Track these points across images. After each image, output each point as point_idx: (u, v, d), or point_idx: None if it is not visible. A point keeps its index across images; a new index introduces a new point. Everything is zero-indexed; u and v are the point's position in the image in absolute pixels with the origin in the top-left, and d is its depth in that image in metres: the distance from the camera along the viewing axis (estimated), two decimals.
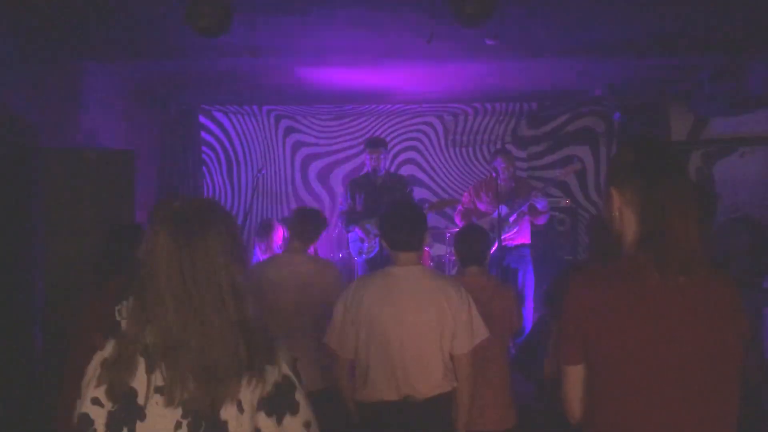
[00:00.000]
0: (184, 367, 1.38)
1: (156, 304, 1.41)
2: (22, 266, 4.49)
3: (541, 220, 5.92)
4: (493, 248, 5.94)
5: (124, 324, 1.45)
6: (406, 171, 7.79)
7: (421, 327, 2.71)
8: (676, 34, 4.58)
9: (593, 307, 1.62)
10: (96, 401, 1.43)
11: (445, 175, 7.85)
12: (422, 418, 2.72)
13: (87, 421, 1.43)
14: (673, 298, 1.57)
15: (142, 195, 5.85)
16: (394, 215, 2.91)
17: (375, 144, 5.81)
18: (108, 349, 1.46)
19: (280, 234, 5.71)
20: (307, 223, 3.76)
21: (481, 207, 6.03)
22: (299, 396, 1.45)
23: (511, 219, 5.88)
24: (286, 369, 1.45)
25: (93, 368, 1.46)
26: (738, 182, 6.59)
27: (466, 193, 6.23)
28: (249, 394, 1.40)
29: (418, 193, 7.66)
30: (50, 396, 3.60)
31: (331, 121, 7.79)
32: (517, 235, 5.93)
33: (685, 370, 1.56)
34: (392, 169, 7.64)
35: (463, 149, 7.86)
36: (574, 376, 1.69)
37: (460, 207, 6.21)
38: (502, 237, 5.90)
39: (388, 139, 7.81)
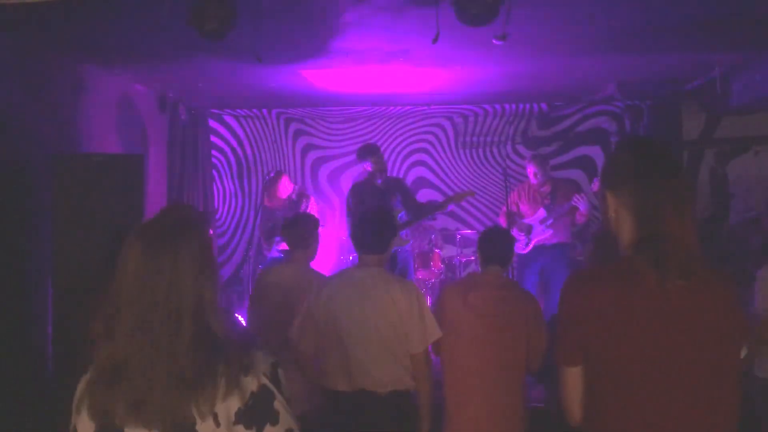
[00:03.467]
0: (136, 386, 1.36)
1: (115, 319, 1.40)
2: (31, 271, 4.52)
3: (581, 219, 5.98)
4: (530, 247, 5.99)
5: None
6: (416, 173, 7.79)
7: (370, 325, 2.88)
8: (686, 30, 4.52)
9: (591, 309, 1.60)
10: (85, 417, 1.42)
11: (456, 177, 7.83)
12: (377, 411, 2.86)
13: None
14: (672, 300, 1.54)
15: (153, 200, 5.88)
16: (362, 219, 3.13)
17: (374, 151, 5.78)
18: (90, 370, 1.45)
19: (285, 185, 6.08)
20: (296, 233, 3.86)
21: (523, 209, 6.13)
22: (279, 404, 1.42)
23: (548, 223, 5.91)
24: (263, 378, 1.42)
25: (79, 391, 1.46)
26: (752, 181, 6.52)
27: (511, 195, 6.26)
28: (224, 407, 1.37)
29: (429, 194, 7.66)
30: (61, 399, 3.62)
31: (340, 123, 7.80)
32: (555, 235, 5.97)
33: (685, 372, 1.54)
34: (402, 171, 7.65)
35: (473, 150, 7.84)
36: (573, 378, 1.67)
37: (504, 208, 6.30)
38: (536, 239, 5.95)
39: (397, 141, 7.83)
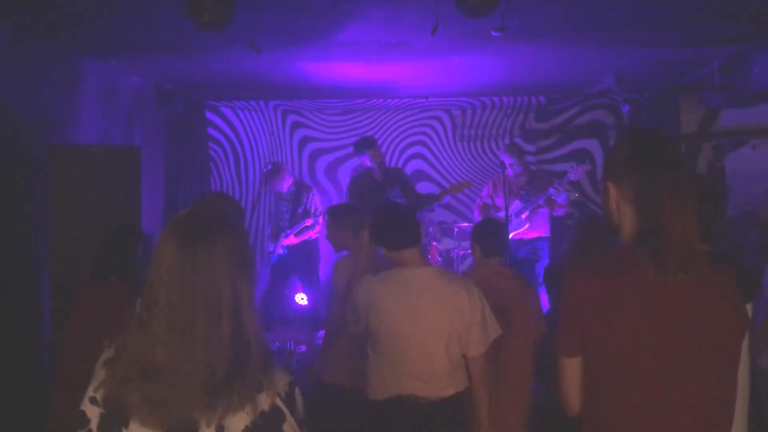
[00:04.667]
0: (165, 385, 1.33)
1: (152, 315, 1.37)
2: (28, 262, 4.51)
3: (560, 212, 5.87)
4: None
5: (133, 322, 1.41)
6: (413, 165, 7.77)
7: (433, 329, 2.70)
8: (685, 22, 4.52)
9: (591, 300, 1.59)
10: (93, 401, 1.41)
11: (453, 170, 7.82)
12: (429, 419, 2.70)
13: (83, 419, 1.41)
14: (672, 293, 1.54)
15: (150, 192, 5.86)
16: (387, 216, 2.93)
17: (371, 144, 5.74)
18: (111, 350, 1.43)
19: (285, 178, 6.02)
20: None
21: (498, 202, 6.02)
22: (288, 427, 1.38)
23: (523, 215, 5.83)
24: (276, 398, 1.38)
25: (98, 367, 1.44)
26: (750, 174, 6.52)
27: (485, 187, 6.20)
28: (233, 420, 1.34)
29: (426, 187, 7.64)
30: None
31: (337, 116, 7.77)
32: (532, 228, 5.89)
33: (683, 365, 1.54)
34: (399, 164, 7.63)
35: (471, 143, 7.82)
36: (572, 369, 1.67)
37: (479, 201, 6.21)
38: (514, 232, 5.89)
39: (395, 134, 7.81)
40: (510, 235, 5.90)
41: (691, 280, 1.53)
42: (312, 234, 6.21)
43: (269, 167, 6.40)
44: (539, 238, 5.95)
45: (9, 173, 4.30)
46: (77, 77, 5.23)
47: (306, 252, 6.25)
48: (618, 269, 1.59)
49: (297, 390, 1.42)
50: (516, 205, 5.89)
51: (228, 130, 7.77)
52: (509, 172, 5.94)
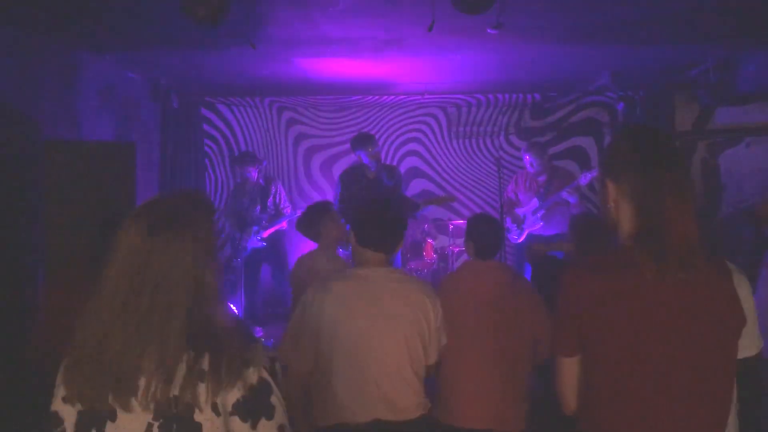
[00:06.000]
0: (117, 369, 1.33)
1: (104, 297, 1.37)
2: (22, 258, 4.48)
3: (576, 211, 5.91)
4: (523, 237, 5.98)
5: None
6: (409, 163, 7.77)
7: (398, 336, 2.43)
8: (682, 20, 4.52)
9: (589, 299, 1.58)
10: (67, 399, 1.40)
11: (448, 167, 7.82)
12: None
13: (56, 420, 1.41)
14: (671, 292, 1.53)
15: (145, 188, 5.84)
16: (377, 212, 2.64)
17: (368, 140, 5.71)
18: (69, 358, 1.42)
19: (255, 170, 6.33)
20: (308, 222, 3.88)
21: (522, 198, 6.13)
22: (275, 399, 1.41)
23: (539, 214, 5.87)
24: (262, 372, 1.40)
25: (59, 379, 1.43)
26: (744, 172, 6.53)
27: (510, 183, 6.29)
28: (224, 397, 1.36)
29: (422, 184, 7.65)
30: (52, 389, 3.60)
31: (333, 112, 7.77)
32: (549, 226, 5.93)
33: (681, 364, 1.54)
34: (395, 161, 7.62)
35: (467, 141, 7.82)
36: (569, 368, 1.67)
37: (505, 196, 6.24)
38: (529, 229, 5.97)
39: (390, 131, 7.80)
40: (525, 233, 6.01)
41: (690, 279, 1.52)
42: (284, 224, 6.40)
43: (240, 152, 6.48)
44: (557, 235, 5.96)
45: (3, 168, 4.28)
46: (74, 72, 5.20)
47: (275, 240, 6.42)
48: (616, 268, 1.58)
49: (278, 365, 1.45)
50: (533, 203, 5.96)
51: (223, 127, 7.76)
52: (529, 170, 6.01)
